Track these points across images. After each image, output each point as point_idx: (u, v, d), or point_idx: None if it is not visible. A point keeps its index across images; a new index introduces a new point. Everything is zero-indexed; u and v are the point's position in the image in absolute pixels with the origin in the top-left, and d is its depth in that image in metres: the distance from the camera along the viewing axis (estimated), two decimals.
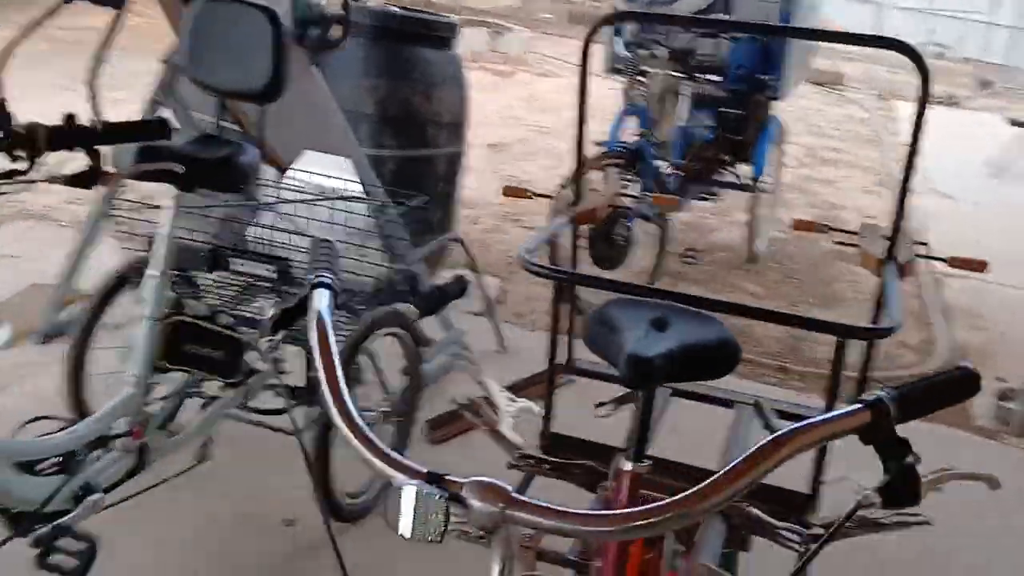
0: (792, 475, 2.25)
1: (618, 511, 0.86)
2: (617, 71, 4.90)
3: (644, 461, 1.64)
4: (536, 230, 2.43)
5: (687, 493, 0.85)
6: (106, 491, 2.13)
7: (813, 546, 2.06)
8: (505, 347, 3.70)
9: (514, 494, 0.87)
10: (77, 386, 2.51)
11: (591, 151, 4.91)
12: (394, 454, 0.92)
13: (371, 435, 0.93)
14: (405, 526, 0.87)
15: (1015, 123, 7.63)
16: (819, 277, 5.04)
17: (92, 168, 1.69)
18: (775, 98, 4.91)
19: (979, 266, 2.40)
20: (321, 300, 1.08)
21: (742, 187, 5.04)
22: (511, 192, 2.99)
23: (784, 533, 2.05)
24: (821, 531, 2.09)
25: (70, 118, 1.63)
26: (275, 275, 2.38)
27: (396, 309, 2.63)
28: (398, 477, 0.89)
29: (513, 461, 2.22)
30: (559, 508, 0.87)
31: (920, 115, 2.22)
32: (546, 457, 2.19)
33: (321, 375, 0.99)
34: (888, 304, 2.08)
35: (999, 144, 7.91)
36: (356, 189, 2.83)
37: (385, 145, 3.85)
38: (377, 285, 2.66)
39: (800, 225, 2.66)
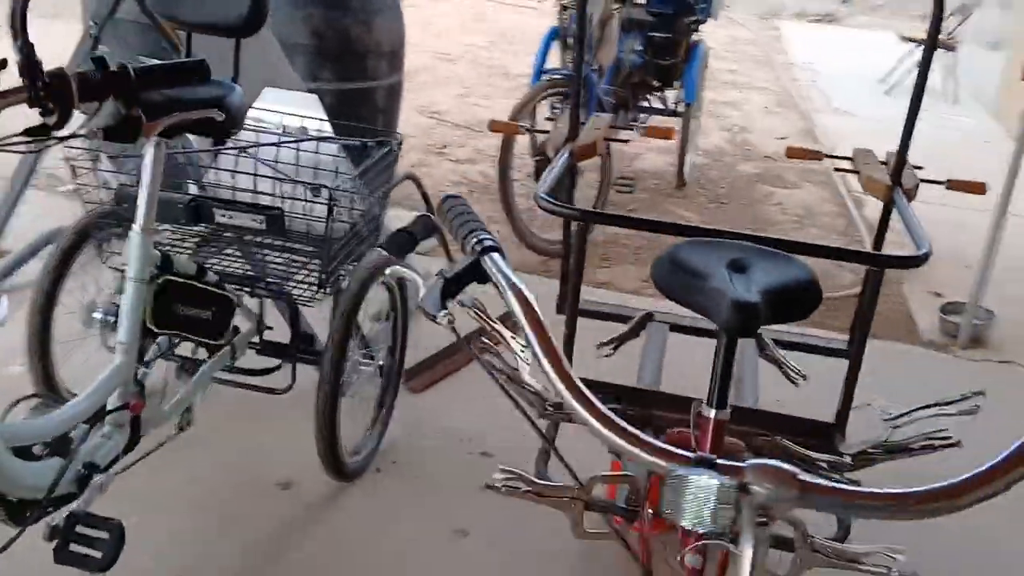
0: (810, 404, 2.28)
1: (918, 490, 0.80)
2: None
3: (725, 408, 1.59)
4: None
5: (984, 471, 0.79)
6: (105, 470, 1.95)
7: (847, 473, 2.08)
8: None
9: (804, 477, 0.79)
10: (44, 355, 2.29)
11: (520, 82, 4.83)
12: (651, 439, 0.83)
13: (617, 419, 0.84)
14: (695, 519, 0.78)
15: (905, 39, 7.86)
16: (746, 200, 5.11)
17: (129, 118, 1.48)
18: (702, 21, 4.88)
19: (978, 188, 2.44)
20: (501, 265, 0.97)
21: (672, 112, 5.02)
22: (497, 126, 2.88)
23: (819, 463, 2.07)
24: (850, 460, 2.11)
25: (101, 62, 1.41)
26: (264, 226, 2.20)
27: (386, 255, 2.49)
28: (663, 464, 0.80)
29: (543, 411, 2.14)
30: (854, 489, 0.80)
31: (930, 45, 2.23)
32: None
33: (537, 350, 0.89)
34: (912, 230, 2.08)
35: (889, 60, 8.15)
36: (325, 127, 2.64)
37: (322, 78, 3.63)
38: (349, 231, 2.50)
39: (793, 153, 2.63)
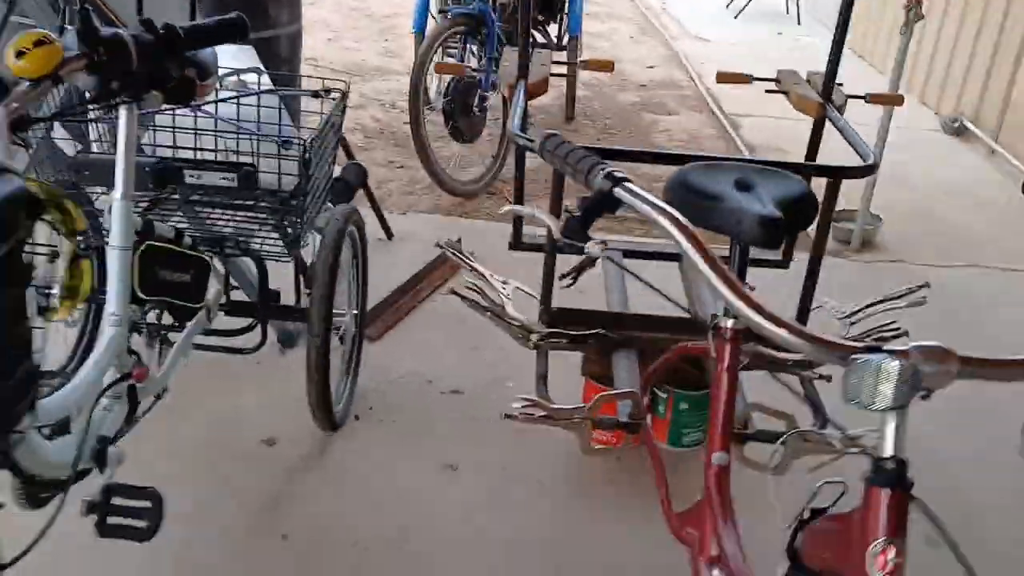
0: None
1: None
2: None
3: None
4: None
5: None
6: (113, 441, 1.93)
7: (815, 369, 2.28)
8: (392, 234, 3.63)
9: (963, 353, 0.91)
10: None
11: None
12: (826, 336, 0.94)
13: (794, 323, 0.94)
14: (877, 398, 0.90)
15: None
16: (633, 129, 5.28)
17: (184, 80, 1.43)
18: None
19: (896, 100, 2.65)
20: (638, 191, 1.04)
21: (559, 47, 5.10)
22: (443, 68, 2.88)
23: (787, 361, 2.25)
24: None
25: (148, 23, 1.36)
26: (236, 183, 2.16)
27: (351, 205, 2.50)
28: (846, 354, 0.91)
29: (535, 341, 2.24)
30: (1004, 359, 0.93)
31: None
32: (568, 332, 2.22)
33: (701, 264, 0.97)
34: (855, 142, 2.26)
35: None
36: (264, 79, 2.59)
37: None
38: (318, 184, 2.49)
39: (723, 78, 2.77)
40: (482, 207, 4.08)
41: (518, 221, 2.74)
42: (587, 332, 2.25)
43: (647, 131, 5.23)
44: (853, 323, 2.33)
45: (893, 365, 0.89)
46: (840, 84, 2.64)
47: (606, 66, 2.69)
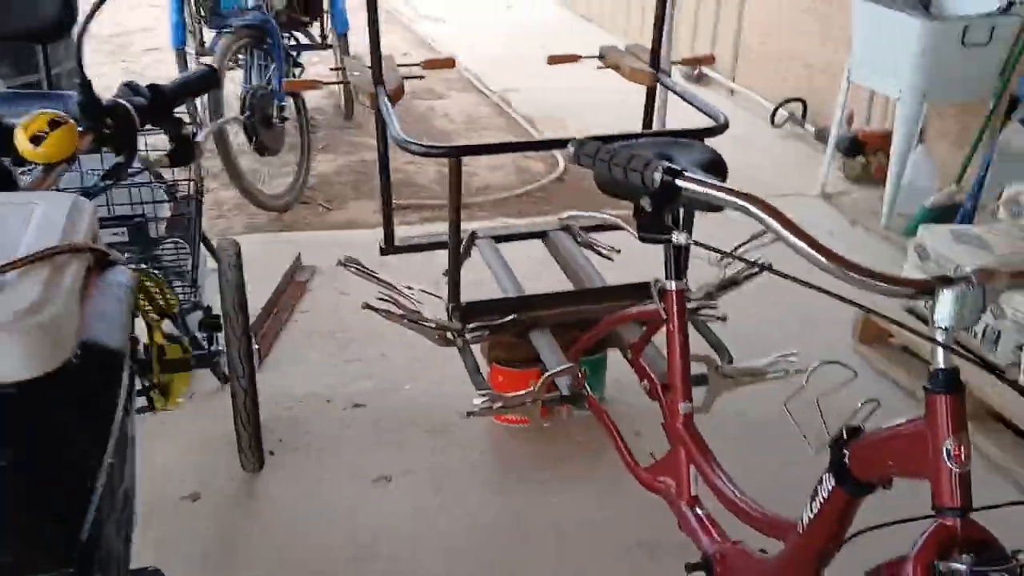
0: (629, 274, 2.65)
1: None
2: None
3: (683, 279, 1.90)
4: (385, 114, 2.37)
5: None
6: None
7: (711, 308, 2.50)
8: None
9: (1005, 270, 1.12)
10: None
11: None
12: (911, 277, 1.11)
13: (878, 270, 1.10)
14: (963, 319, 1.08)
15: None
16: (416, 118, 5.33)
17: (181, 138, 1.33)
18: None
19: (708, 60, 2.93)
20: (698, 177, 1.15)
21: (323, 46, 5.05)
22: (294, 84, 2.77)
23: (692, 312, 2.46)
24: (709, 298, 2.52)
25: (134, 85, 1.25)
26: (127, 238, 2.04)
27: (232, 239, 2.42)
28: (935, 287, 1.09)
29: (465, 337, 2.30)
30: None
31: None
32: (493, 323, 2.31)
33: (789, 236, 1.11)
34: (702, 104, 2.50)
35: None
36: None
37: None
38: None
39: (555, 59, 2.92)
40: (301, 219, 4.02)
41: (389, 225, 2.76)
42: (503, 320, 2.34)
43: (428, 118, 5.32)
44: (727, 265, 2.58)
45: (974, 293, 1.08)
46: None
47: (448, 64, 2.76)
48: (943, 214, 3.75)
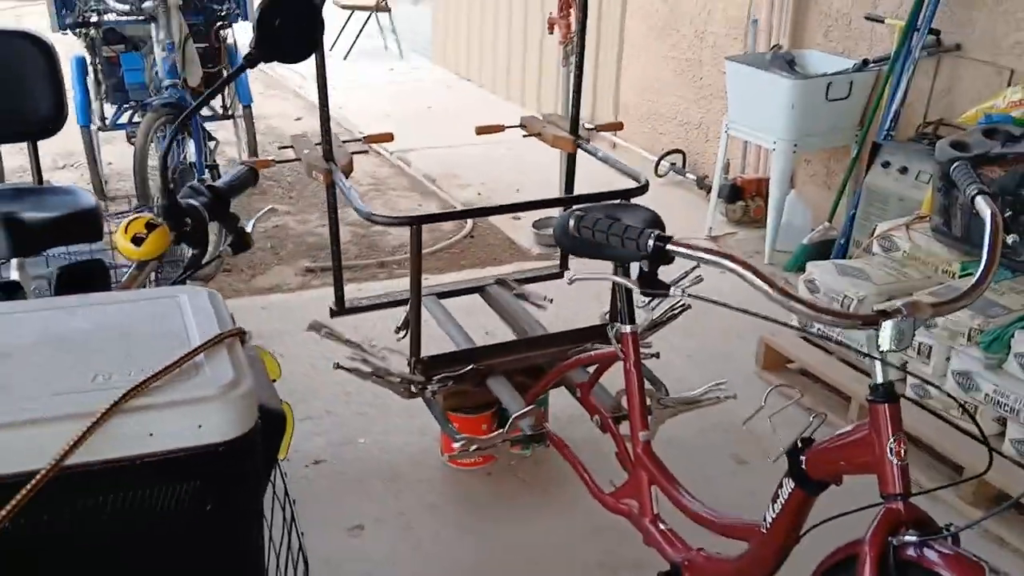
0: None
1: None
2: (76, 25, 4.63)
3: (635, 322, 2.17)
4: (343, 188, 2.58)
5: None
6: None
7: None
8: None
9: (931, 300, 1.43)
10: None
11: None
12: (859, 312, 1.40)
13: (837, 308, 1.39)
14: (896, 343, 1.39)
15: (344, 7, 8.69)
16: (305, 187, 5.46)
17: (239, 231, 1.49)
18: (230, 24, 5.09)
19: (617, 126, 3.26)
20: (683, 245, 1.43)
21: (226, 116, 5.19)
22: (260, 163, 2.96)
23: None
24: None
25: (196, 187, 1.41)
26: None
27: None
28: (884, 319, 1.39)
29: (430, 388, 2.51)
30: (948, 299, 1.46)
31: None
32: (455, 373, 2.52)
33: (765, 288, 1.38)
34: (622, 166, 2.82)
35: (334, 30, 8.94)
36: None
37: None
38: None
39: (482, 130, 3.16)
40: (227, 286, 4.12)
41: (339, 287, 2.94)
42: (464, 370, 2.56)
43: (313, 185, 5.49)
44: (653, 307, 2.88)
45: (907, 322, 1.39)
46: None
47: (386, 138, 2.98)
48: (819, 250, 4.19)
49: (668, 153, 5.51)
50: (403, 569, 2.47)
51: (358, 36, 8.83)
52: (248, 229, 1.56)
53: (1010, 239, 1.70)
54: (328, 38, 9.00)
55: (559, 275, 3.27)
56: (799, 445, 1.67)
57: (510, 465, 2.88)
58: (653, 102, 5.80)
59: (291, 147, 2.89)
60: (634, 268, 2.17)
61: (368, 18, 8.85)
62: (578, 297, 3.35)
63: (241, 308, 3.86)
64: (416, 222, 2.43)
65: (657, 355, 2.75)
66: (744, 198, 4.85)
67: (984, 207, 1.62)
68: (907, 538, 1.43)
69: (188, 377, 0.97)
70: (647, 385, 2.64)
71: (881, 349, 1.43)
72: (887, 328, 1.40)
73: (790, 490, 1.69)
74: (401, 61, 8.83)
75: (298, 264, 4.32)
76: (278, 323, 3.77)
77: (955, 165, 1.76)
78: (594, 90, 6.29)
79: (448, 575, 2.46)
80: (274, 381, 1.26)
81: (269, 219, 4.86)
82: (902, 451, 1.48)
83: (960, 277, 3.10)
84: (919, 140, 3.85)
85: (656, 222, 2.15)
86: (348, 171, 2.72)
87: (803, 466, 1.66)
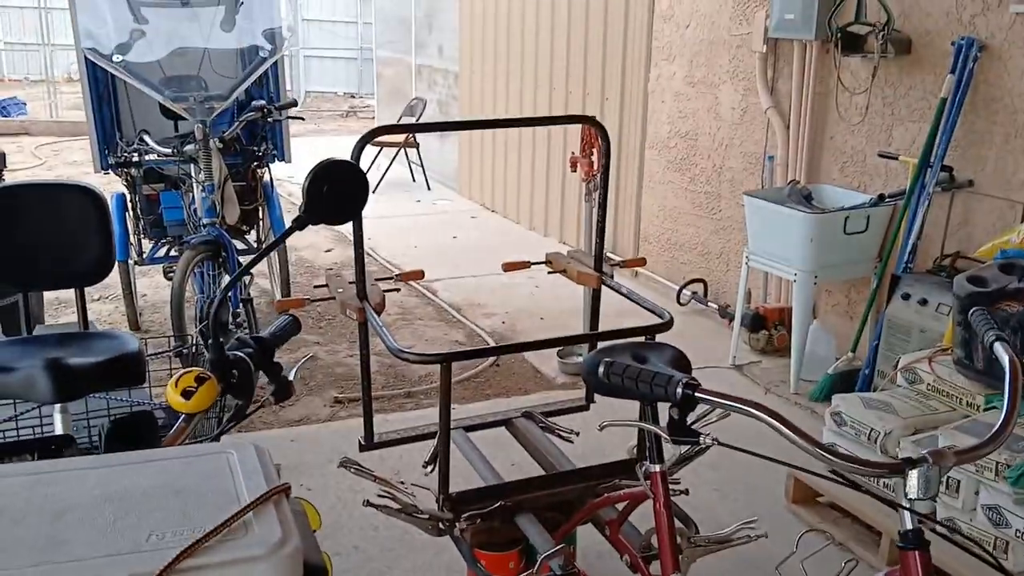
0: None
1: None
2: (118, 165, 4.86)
3: (664, 461, 2.19)
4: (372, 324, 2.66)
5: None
6: None
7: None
8: None
9: (957, 448, 1.46)
10: None
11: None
12: (883, 460, 1.44)
13: (859, 456, 1.42)
14: (922, 491, 1.41)
15: (374, 144, 9.02)
16: (335, 317, 5.58)
17: (281, 380, 1.57)
18: (267, 164, 5.31)
19: (640, 262, 3.35)
20: (705, 393, 1.47)
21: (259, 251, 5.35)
22: (285, 304, 3.07)
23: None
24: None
25: (243, 340, 1.49)
26: None
27: None
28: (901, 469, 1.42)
29: (459, 527, 2.52)
30: (969, 448, 1.49)
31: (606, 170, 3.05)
32: (483, 511, 2.54)
33: (791, 436, 1.42)
34: (646, 303, 2.88)
35: (364, 163, 9.25)
36: None
37: None
38: None
39: (509, 266, 3.24)
40: (257, 418, 4.18)
41: (369, 422, 2.98)
42: (492, 507, 2.58)
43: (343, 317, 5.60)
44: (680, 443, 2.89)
45: (933, 470, 1.41)
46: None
47: (418, 275, 3.09)
48: (843, 380, 4.21)
49: (690, 282, 5.60)
50: None
51: (387, 170, 9.12)
52: (291, 377, 1.63)
53: None
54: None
55: (585, 407, 3.30)
56: None
57: None
58: (673, 232, 5.94)
59: (325, 285, 2.98)
60: (662, 407, 2.22)
61: (396, 153, 9.16)
62: (606, 430, 3.36)
63: (270, 440, 3.91)
64: (446, 359, 2.49)
65: (687, 491, 2.75)
66: (767, 327, 4.90)
67: (1003, 353, 1.66)
68: None
69: (238, 536, 1.01)
70: (677, 523, 2.66)
71: (909, 497, 1.45)
72: (913, 477, 1.43)
73: None
74: (429, 193, 9.09)
75: (327, 395, 4.38)
76: (307, 455, 3.81)
77: (973, 311, 1.81)
78: (615, 220, 6.44)
79: None
80: (315, 531, 1.30)
81: (297, 350, 4.96)
82: None
83: (984, 410, 3.11)
84: (937, 272, 3.92)
85: (682, 362, 2.19)
86: (380, 309, 2.80)
87: None
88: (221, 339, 1.48)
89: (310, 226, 1.59)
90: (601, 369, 1.68)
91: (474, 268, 6.29)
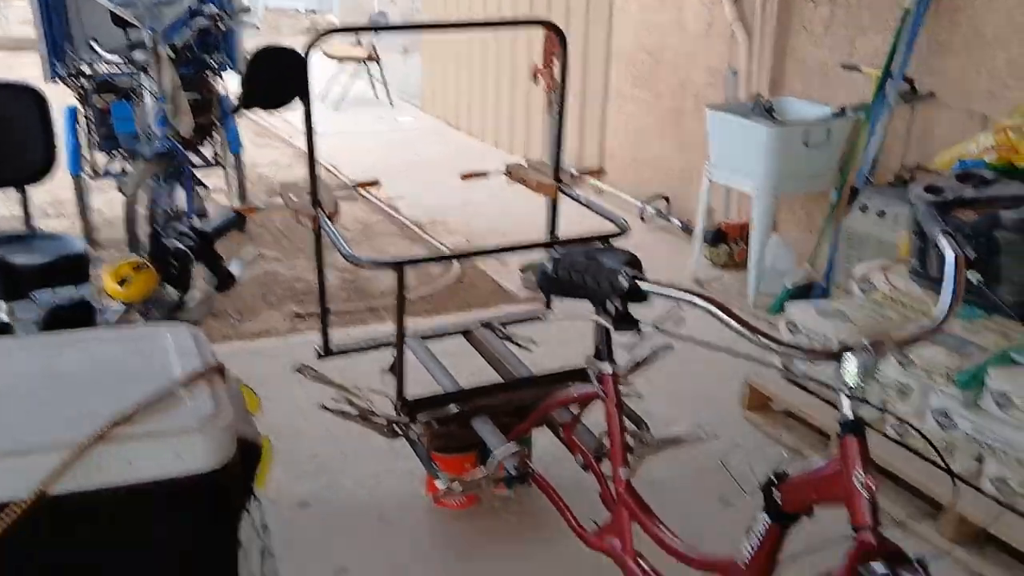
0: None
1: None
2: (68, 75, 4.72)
3: (615, 362, 2.21)
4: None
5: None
6: None
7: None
8: None
9: (897, 336, 1.48)
10: None
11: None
12: (825, 347, 1.45)
13: (801, 343, 1.44)
14: (856, 377, 1.43)
15: (328, 56, 8.85)
16: (294, 233, 5.52)
17: (223, 271, 1.54)
18: (220, 74, 5.19)
19: (600, 171, 3.32)
20: (653, 283, 1.47)
21: (217, 163, 5.26)
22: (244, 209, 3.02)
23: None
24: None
25: (184, 232, 1.46)
26: None
27: None
28: (847, 353, 1.43)
29: (414, 429, 2.54)
30: (907, 334, 1.51)
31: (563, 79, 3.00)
32: (440, 415, 2.56)
33: (734, 325, 1.43)
34: (604, 211, 2.87)
35: (326, 80, 9.09)
36: None
37: None
38: None
39: (467, 176, 3.23)
40: (215, 331, 4.15)
41: (326, 330, 2.98)
42: (449, 411, 2.59)
43: (302, 231, 5.55)
44: (634, 348, 2.91)
45: (870, 356, 1.43)
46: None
47: (374, 184, 3.05)
48: (801, 292, 4.25)
49: (653, 198, 5.59)
50: None
51: (349, 87, 8.96)
52: (234, 271, 1.60)
53: (974, 278, 1.74)
54: (319, 88, 9.20)
55: (544, 316, 3.32)
56: (772, 480, 1.70)
57: (495, 507, 2.89)
58: (638, 149, 5.90)
59: (280, 194, 2.94)
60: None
61: (358, 69, 8.99)
62: (564, 340, 3.38)
63: (230, 353, 3.89)
64: (400, 265, 2.47)
65: (640, 395, 2.78)
66: (728, 242, 4.92)
67: (947, 246, 1.68)
68: (876, 568, 1.46)
69: (170, 410, 1.01)
70: (630, 425, 2.69)
71: (846, 383, 1.47)
72: (850, 362, 1.45)
73: (764, 523, 1.72)
74: (391, 110, 8.96)
75: (286, 309, 4.36)
76: (267, 367, 3.79)
77: (921, 208, 1.82)
78: (581, 136, 6.38)
79: None
80: (254, 415, 1.29)
81: (258, 265, 4.91)
82: (871, 484, 1.51)
83: None
84: (897, 185, 3.93)
85: (634, 263, 2.19)
86: (335, 217, 2.77)
87: (776, 500, 1.69)
88: (159, 229, 1.45)
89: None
90: (550, 266, 1.68)
91: (437, 185, 6.23)
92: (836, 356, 1.46)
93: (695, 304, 1.52)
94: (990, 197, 3.05)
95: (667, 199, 5.60)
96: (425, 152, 7.40)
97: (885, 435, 3.02)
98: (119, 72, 4.63)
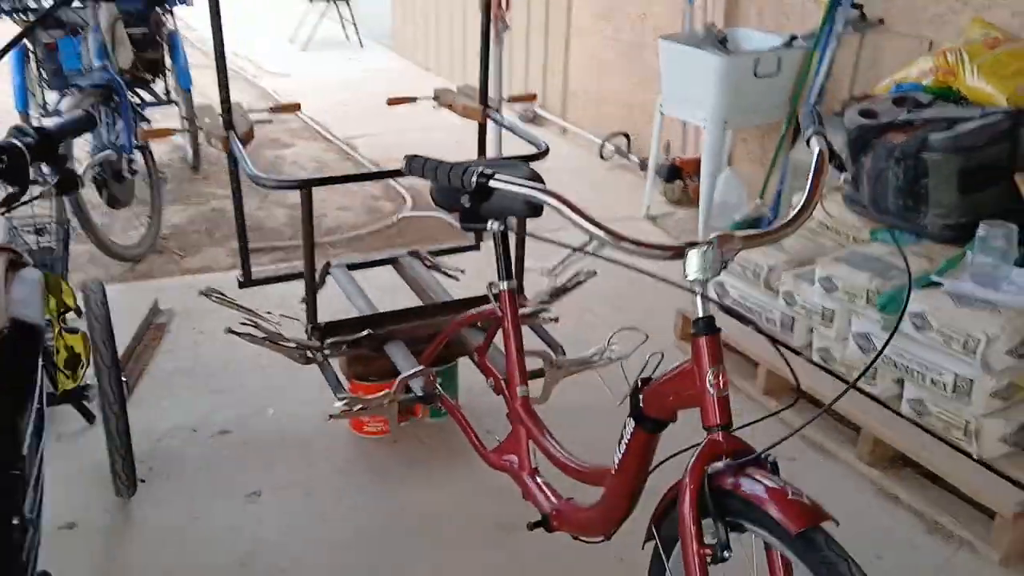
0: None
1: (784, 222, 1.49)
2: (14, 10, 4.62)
3: (512, 280, 2.18)
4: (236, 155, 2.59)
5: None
6: None
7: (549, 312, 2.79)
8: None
9: (741, 234, 1.45)
10: None
11: None
12: (670, 244, 1.42)
13: (652, 241, 1.41)
14: (704, 272, 1.40)
15: None
16: (264, 165, 5.50)
17: (66, 171, 1.51)
18: (171, 8, 5.08)
19: (530, 97, 3.27)
20: (505, 179, 1.43)
21: (167, 102, 5.19)
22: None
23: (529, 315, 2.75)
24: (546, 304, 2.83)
25: (22, 128, 1.42)
26: None
27: (97, 279, 2.56)
28: (691, 248, 1.40)
29: (324, 353, 2.52)
30: (759, 232, 1.48)
31: None
32: (349, 338, 2.53)
33: (579, 220, 1.39)
34: (526, 134, 2.83)
35: (295, 21, 8.96)
36: None
37: None
38: None
39: (393, 101, 3.17)
40: (156, 267, 4.12)
41: (246, 259, 2.95)
42: (359, 335, 2.57)
43: (277, 166, 5.50)
44: (556, 274, 2.89)
45: (711, 252, 1.40)
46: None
47: (294, 108, 3.00)
48: (751, 225, 4.21)
49: (612, 136, 5.52)
50: (299, 532, 2.48)
51: (317, 26, 8.83)
52: (80, 173, 1.56)
53: (842, 177, 1.70)
54: (287, 28, 9.07)
55: (475, 247, 3.29)
56: (639, 385, 1.69)
57: (416, 433, 2.89)
58: (600, 85, 5.82)
59: (196, 116, 2.89)
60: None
61: (327, 8, 8.85)
62: (495, 270, 3.35)
63: (170, 287, 3.87)
64: (305, 185, 2.44)
65: (556, 319, 2.76)
66: (683, 178, 4.87)
67: (815, 144, 1.64)
68: (718, 465, 1.45)
69: None
70: (544, 348, 2.68)
71: (688, 277, 1.44)
72: (692, 256, 1.42)
73: (631, 430, 1.71)
74: (361, 51, 8.83)
75: (229, 246, 4.32)
76: (205, 301, 3.76)
77: (805, 111, 1.78)
78: (544, 73, 6.30)
79: (345, 537, 2.47)
80: (69, 309, 1.27)
81: (206, 203, 4.87)
82: (721, 383, 1.49)
83: (870, 243, 3.12)
84: (841, 114, 3.86)
85: (535, 177, 2.16)
86: (248, 140, 2.72)
87: (641, 405, 1.67)
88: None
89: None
90: (412, 164, 1.64)
91: (399, 125, 6.15)
92: (680, 253, 1.43)
93: (543, 201, 1.49)
94: (923, 119, 3.01)
95: (628, 137, 5.53)
96: (392, 94, 7.29)
97: (811, 361, 3.01)
98: (66, 4, 4.53)
